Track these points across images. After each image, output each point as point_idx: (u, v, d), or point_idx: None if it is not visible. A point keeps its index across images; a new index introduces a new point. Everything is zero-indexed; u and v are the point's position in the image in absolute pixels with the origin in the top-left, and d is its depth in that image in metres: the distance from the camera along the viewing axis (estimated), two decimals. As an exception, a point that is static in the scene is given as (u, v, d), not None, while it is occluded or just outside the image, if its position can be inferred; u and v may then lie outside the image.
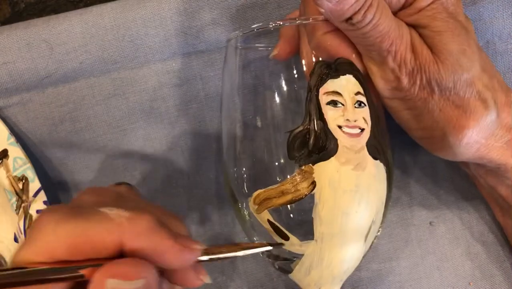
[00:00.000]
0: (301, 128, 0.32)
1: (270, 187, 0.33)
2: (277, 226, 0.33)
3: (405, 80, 0.32)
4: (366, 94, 0.33)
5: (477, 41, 0.34)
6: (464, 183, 0.43)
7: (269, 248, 0.32)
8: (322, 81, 0.32)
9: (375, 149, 0.32)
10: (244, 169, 0.35)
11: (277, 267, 0.36)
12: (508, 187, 0.36)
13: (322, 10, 0.31)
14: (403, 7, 0.33)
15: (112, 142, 0.43)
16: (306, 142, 0.32)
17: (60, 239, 0.25)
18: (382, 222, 0.35)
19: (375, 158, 0.32)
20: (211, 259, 0.29)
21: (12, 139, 0.41)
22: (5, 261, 0.42)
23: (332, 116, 0.32)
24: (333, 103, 0.32)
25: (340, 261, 0.33)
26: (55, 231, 0.26)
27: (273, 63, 0.36)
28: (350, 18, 0.30)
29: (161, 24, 0.41)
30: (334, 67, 0.32)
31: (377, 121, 0.33)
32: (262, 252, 0.36)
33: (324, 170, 0.31)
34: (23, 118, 0.43)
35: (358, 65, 0.33)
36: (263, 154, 0.35)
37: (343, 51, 0.33)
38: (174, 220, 0.30)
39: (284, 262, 0.35)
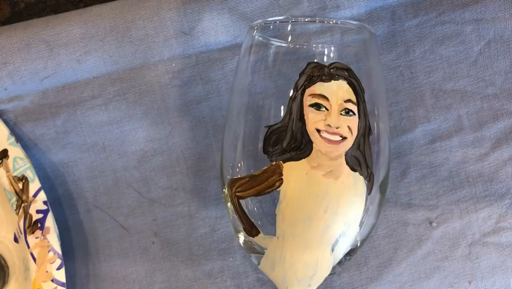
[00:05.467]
0: (279, 125, 0.32)
1: (242, 176, 0.33)
2: (245, 215, 0.34)
3: None
4: (359, 104, 0.32)
5: None
6: (464, 184, 0.42)
7: None
8: (310, 82, 0.32)
9: (356, 160, 0.32)
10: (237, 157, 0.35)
11: (252, 259, 0.36)
12: None
13: None
14: None
15: (112, 142, 0.43)
16: (281, 140, 0.32)
17: None
18: (366, 239, 0.35)
19: (353, 170, 0.32)
20: None
21: (12, 139, 0.41)
22: (5, 261, 0.42)
23: (312, 119, 0.31)
24: (316, 106, 0.31)
25: (303, 265, 0.33)
26: None
27: (289, 64, 0.34)
28: None
29: (161, 24, 0.41)
30: (327, 71, 0.32)
31: (367, 134, 0.33)
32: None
33: (293, 170, 0.31)
34: (23, 118, 0.43)
35: None
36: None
37: None
38: None
39: (258, 256, 0.35)
